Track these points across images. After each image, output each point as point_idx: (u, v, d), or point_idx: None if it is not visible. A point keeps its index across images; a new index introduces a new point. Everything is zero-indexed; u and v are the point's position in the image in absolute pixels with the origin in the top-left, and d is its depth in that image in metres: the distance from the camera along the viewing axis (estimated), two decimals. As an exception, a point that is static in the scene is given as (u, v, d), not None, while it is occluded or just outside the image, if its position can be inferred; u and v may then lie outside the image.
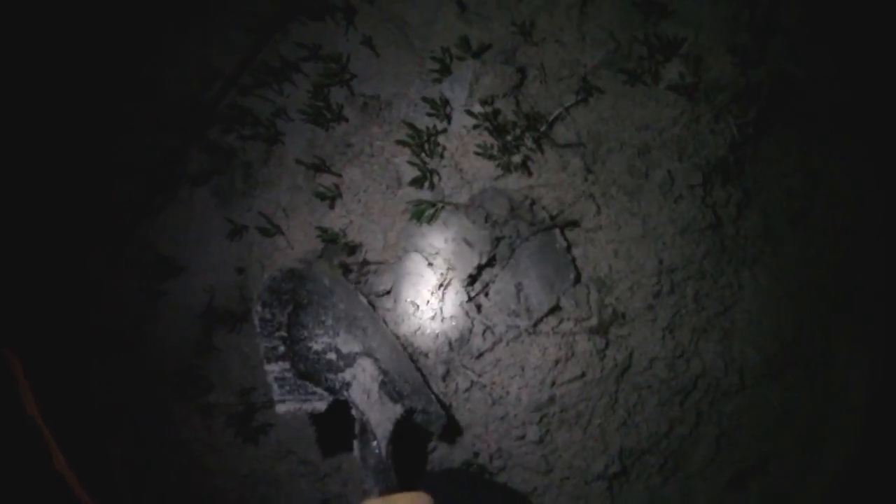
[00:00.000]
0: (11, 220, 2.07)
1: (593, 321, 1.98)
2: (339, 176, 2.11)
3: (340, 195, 2.10)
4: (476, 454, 2.04)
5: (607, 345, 1.99)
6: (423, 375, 1.91)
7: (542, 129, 2.01)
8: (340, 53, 2.11)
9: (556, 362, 1.96)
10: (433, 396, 1.86)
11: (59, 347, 2.15)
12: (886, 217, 2.25)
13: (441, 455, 2.07)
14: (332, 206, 2.10)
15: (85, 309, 2.26)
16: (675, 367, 2.04)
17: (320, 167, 2.10)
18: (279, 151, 2.18)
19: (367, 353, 1.83)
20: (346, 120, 2.11)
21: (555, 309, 1.98)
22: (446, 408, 1.97)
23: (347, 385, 1.77)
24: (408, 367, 1.86)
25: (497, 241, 1.96)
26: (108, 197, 2.25)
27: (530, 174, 2.00)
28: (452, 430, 2.02)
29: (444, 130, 2.03)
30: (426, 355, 1.98)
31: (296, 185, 2.15)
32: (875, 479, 2.12)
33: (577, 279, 2.01)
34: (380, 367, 1.81)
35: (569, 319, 1.98)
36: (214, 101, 2.17)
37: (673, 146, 2.08)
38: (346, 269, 2.08)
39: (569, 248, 2.01)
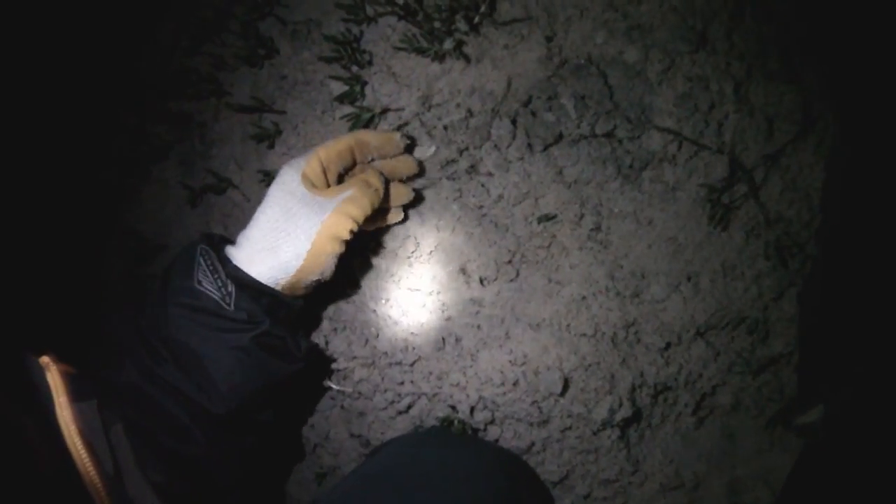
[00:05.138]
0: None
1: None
2: (284, 112, 1.92)
3: (280, 132, 1.90)
4: (453, 407, 1.68)
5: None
6: None
7: (482, 9, 1.68)
8: (265, -17, 1.95)
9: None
10: None
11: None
12: None
13: (420, 411, 1.73)
14: (271, 146, 1.90)
15: (73, 308, 2.22)
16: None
17: (262, 108, 1.92)
18: (228, 103, 2.03)
19: None
20: (279, 52, 1.93)
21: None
22: None
23: None
24: None
25: None
26: (89, 188, 2.23)
27: (468, 60, 1.67)
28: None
29: (361, 35, 1.77)
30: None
31: (246, 135, 1.99)
32: None
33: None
34: None
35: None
36: (160, 69, 2.10)
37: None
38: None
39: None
